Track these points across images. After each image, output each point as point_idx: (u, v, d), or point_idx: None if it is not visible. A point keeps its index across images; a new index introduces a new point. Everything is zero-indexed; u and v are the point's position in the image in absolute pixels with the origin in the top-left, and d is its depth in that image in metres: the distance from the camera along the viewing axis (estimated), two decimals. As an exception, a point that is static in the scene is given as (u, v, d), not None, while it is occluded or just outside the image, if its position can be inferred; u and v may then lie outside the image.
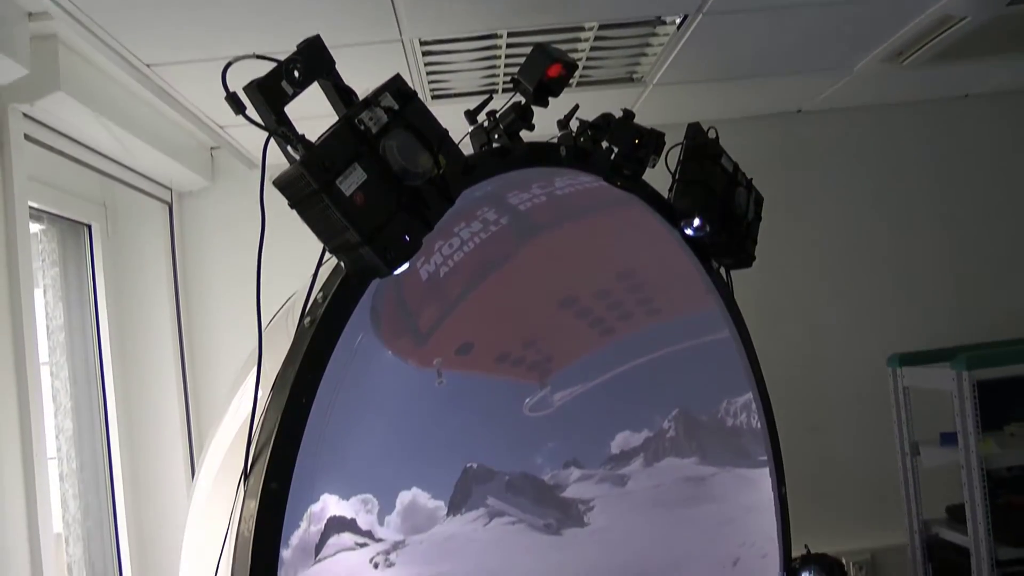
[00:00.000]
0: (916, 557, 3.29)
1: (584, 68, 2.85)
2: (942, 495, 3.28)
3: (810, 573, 2.70)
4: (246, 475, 1.63)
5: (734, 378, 2.66)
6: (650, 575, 2.46)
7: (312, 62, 1.65)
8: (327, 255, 1.70)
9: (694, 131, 2.57)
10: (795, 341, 3.65)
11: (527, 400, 2.21)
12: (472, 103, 2.15)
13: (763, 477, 2.67)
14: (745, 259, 2.69)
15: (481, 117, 2.14)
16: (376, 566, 1.86)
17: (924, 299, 3.71)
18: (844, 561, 2.92)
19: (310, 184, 1.55)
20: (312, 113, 1.68)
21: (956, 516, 3.16)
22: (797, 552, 2.77)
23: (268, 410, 1.67)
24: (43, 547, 2.27)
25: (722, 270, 2.71)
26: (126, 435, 3.09)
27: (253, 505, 1.58)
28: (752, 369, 2.68)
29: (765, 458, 2.68)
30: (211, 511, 1.84)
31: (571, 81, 2.32)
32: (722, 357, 2.65)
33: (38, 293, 2.75)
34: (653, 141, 2.39)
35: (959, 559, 3.06)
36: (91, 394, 3.03)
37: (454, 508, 2.02)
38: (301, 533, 1.68)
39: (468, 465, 2.07)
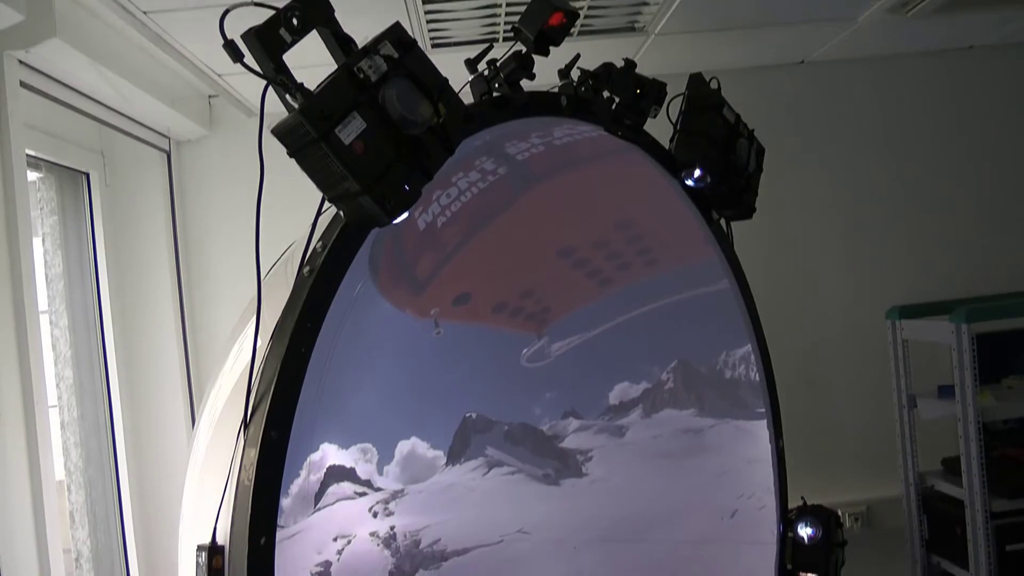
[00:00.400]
0: (911, 509, 3.32)
1: (585, 17, 2.82)
2: (938, 448, 3.31)
3: (806, 524, 2.72)
4: (246, 424, 1.63)
5: (733, 330, 2.66)
6: (649, 525, 2.49)
7: (311, 10, 1.62)
8: (326, 204, 1.69)
9: (696, 81, 2.55)
10: (794, 293, 3.65)
11: (525, 351, 2.22)
12: (472, 52, 2.13)
13: (761, 429, 2.69)
14: (745, 210, 2.68)
15: (481, 66, 2.12)
16: (375, 515, 1.87)
17: (924, 252, 3.70)
18: (840, 513, 2.94)
19: (309, 133, 1.54)
20: (311, 62, 1.67)
21: (952, 468, 3.19)
22: (794, 504, 2.79)
23: (267, 359, 1.67)
24: (45, 494, 2.28)
25: (722, 221, 2.70)
26: (126, 383, 3.10)
27: (253, 454, 1.59)
28: (751, 321, 2.68)
29: (763, 410, 2.69)
30: (211, 459, 1.85)
31: (572, 30, 2.29)
32: (721, 309, 2.65)
33: (36, 242, 2.74)
34: (655, 91, 2.37)
35: (954, 511, 3.09)
36: (91, 343, 3.04)
37: (453, 458, 2.04)
38: (301, 482, 1.70)
39: (467, 415, 2.08)
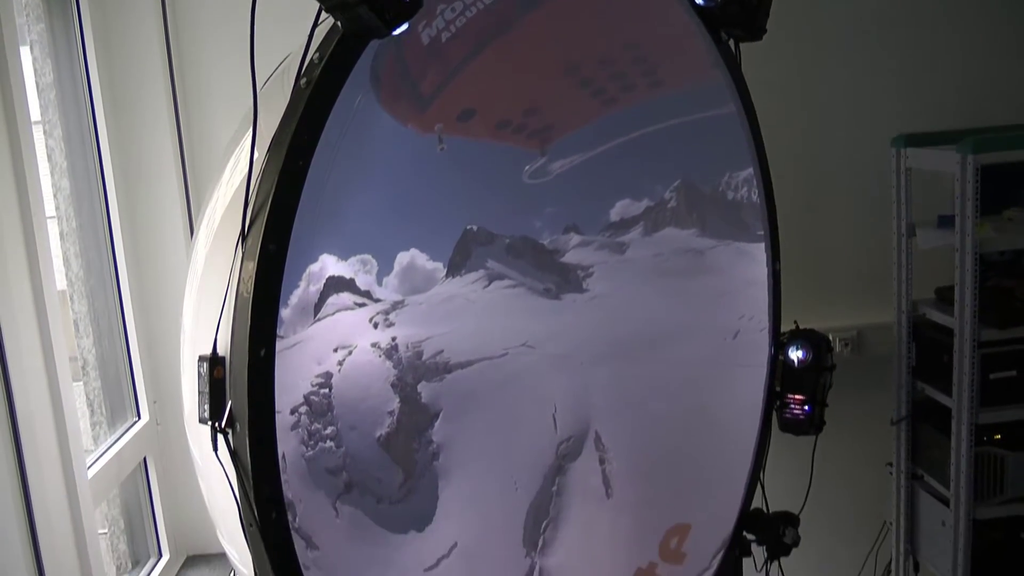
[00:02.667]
0: (902, 335, 3.37)
1: None
2: (932, 278, 3.33)
3: (797, 347, 2.77)
4: (244, 236, 1.63)
5: (737, 152, 2.63)
6: (652, 344, 2.53)
7: None
8: (323, 15, 1.64)
9: None
10: (799, 118, 3.59)
11: (527, 167, 2.20)
12: None
13: (760, 252, 2.69)
14: (756, 31, 2.59)
15: None
16: (376, 326, 1.90)
17: (933, 79, 3.62)
18: (831, 337, 2.99)
19: (304, -65, 1.47)
20: None
21: (944, 297, 3.22)
22: (787, 328, 2.83)
23: (264, 172, 1.65)
24: (48, 304, 2.31)
25: (731, 42, 2.62)
26: (123, 193, 3.08)
27: (252, 266, 1.59)
28: (755, 144, 2.65)
29: (763, 233, 2.69)
30: (210, 271, 1.86)
31: None
32: (726, 131, 2.61)
33: (25, 51, 2.67)
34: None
35: (943, 338, 3.14)
36: (86, 153, 3.00)
37: (453, 270, 2.05)
38: (300, 293, 1.71)
39: (468, 227, 2.08)
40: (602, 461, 2.42)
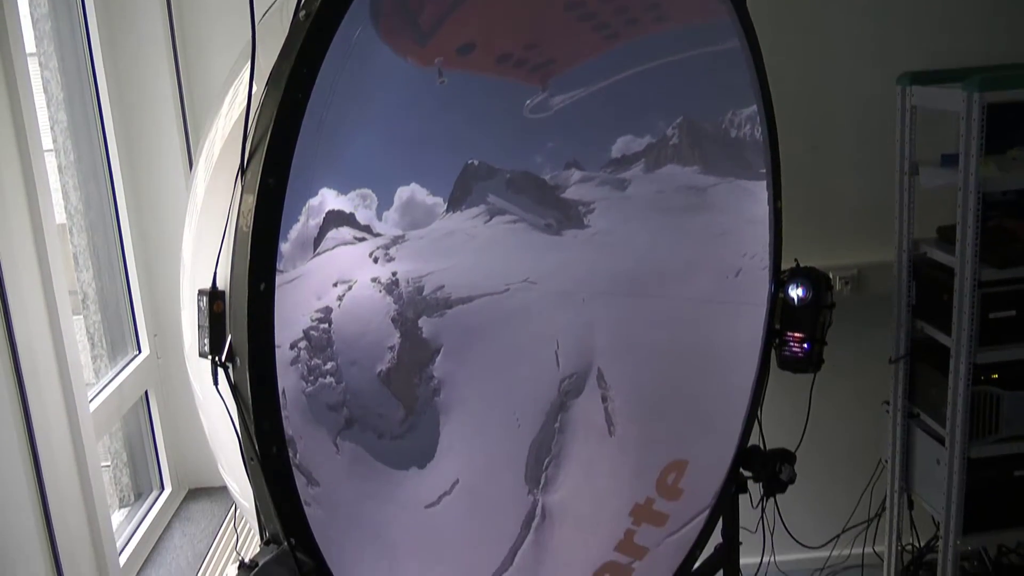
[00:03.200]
0: (902, 274, 3.37)
1: None
2: (934, 217, 3.32)
3: (797, 285, 2.77)
4: (243, 171, 1.62)
5: (741, 89, 2.60)
6: (652, 280, 2.53)
7: None
8: (323, -56, 1.60)
9: None
10: (804, 55, 3.56)
11: (527, 102, 2.18)
12: None
13: (763, 190, 2.68)
14: (762, -36, 2.56)
15: None
16: (376, 260, 1.89)
17: (939, 17, 3.57)
18: (831, 275, 2.99)
19: None
20: None
21: (946, 237, 3.22)
22: (787, 266, 2.83)
23: (263, 106, 1.63)
24: (47, 237, 2.30)
25: (736, -25, 2.58)
26: (121, 126, 3.05)
27: (251, 200, 1.58)
28: (759, 82, 2.62)
29: (765, 171, 2.68)
30: (209, 205, 1.84)
31: None
32: (730, 68, 2.58)
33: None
34: None
35: (943, 278, 3.14)
36: (83, 85, 2.97)
37: (454, 204, 2.03)
38: (300, 227, 1.70)
39: (468, 162, 2.06)
40: (604, 399, 2.43)
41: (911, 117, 3.27)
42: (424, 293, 1.99)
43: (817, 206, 3.64)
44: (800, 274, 2.78)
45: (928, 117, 3.27)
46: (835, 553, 3.91)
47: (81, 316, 3.00)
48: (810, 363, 2.80)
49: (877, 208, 3.54)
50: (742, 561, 3.02)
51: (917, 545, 3.64)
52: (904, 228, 3.35)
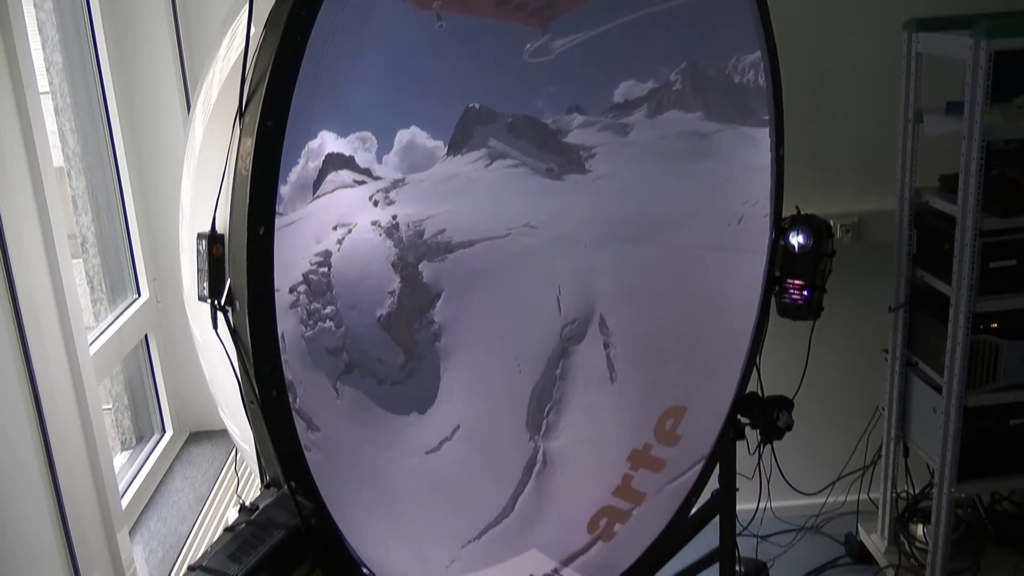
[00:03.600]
0: (903, 222, 3.36)
1: None
2: (937, 166, 3.30)
3: (798, 232, 2.76)
4: (241, 113, 1.60)
5: (745, 35, 2.56)
6: (657, 227, 2.52)
7: None
8: None
9: None
10: (809, 1, 3.51)
11: (528, 45, 2.15)
12: None
13: (766, 136, 2.66)
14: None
15: None
16: (376, 204, 1.88)
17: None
18: (832, 223, 2.98)
19: None
20: None
21: (948, 185, 3.20)
22: (788, 213, 2.82)
23: (261, 49, 1.61)
24: (45, 181, 2.29)
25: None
26: (118, 68, 3.02)
27: (250, 143, 1.57)
28: (763, 27, 2.59)
29: (768, 117, 2.66)
30: (207, 148, 1.83)
31: None
32: (734, 13, 2.55)
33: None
34: None
35: (945, 226, 3.13)
36: (79, 25, 2.93)
37: (454, 148, 2.02)
38: (299, 170, 1.69)
39: (470, 105, 2.05)
40: (606, 345, 2.44)
41: (917, 64, 3.24)
42: (425, 237, 1.98)
43: (820, 154, 3.62)
44: (801, 221, 2.77)
45: (934, 64, 3.23)
46: (831, 500, 3.95)
47: (80, 260, 2.99)
48: (810, 310, 2.80)
49: (879, 156, 3.52)
50: (738, 507, 3.05)
51: (912, 492, 3.68)
52: (907, 176, 3.33)
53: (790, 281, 2.79)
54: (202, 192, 1.76)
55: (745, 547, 3.51)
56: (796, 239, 2.75)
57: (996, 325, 3.12)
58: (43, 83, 2.67)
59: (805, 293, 2.77)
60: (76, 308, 2.38)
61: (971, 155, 2.93)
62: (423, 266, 2.00)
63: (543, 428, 2.32)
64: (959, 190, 3.00)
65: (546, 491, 2.34)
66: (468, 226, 2.08)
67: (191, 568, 1.54)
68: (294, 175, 1.67)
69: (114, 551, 2.40)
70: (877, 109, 3.55)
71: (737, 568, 3.19)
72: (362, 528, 1.74)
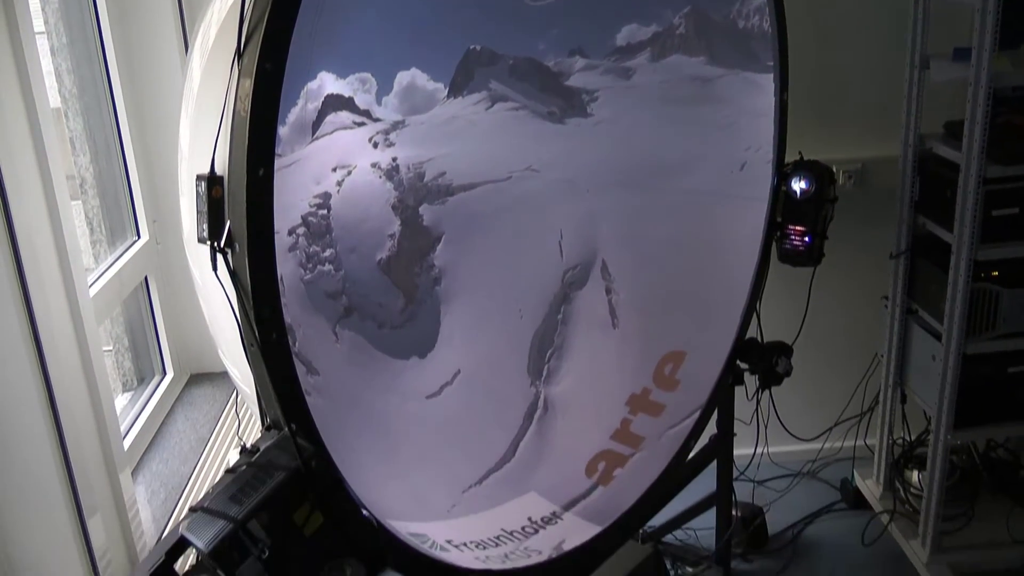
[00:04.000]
0: (907, 169, 3.34)
1: None
2: (942, 114, 3.27)
3: (800, 178, 2.75)
4: (239, 54, 1.59)
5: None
6: (656, 172, 2.50)
7: None
8: None
9: None
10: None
11: (529, -13, 2.12)
12: None
13: (769, 82, 2.63)
14: None
15: None
16: (375, 145, 1.86)
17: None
18: (835, 169, 2.96)
19: None
20: None
21: (953, 132, 3.17)
22: (791, 159, 2.80)
23: (259, -11, 1.59)
24: (42, 120, 2.27)
25: None
26: (114, 5, 2.97)
27: (248, 84, 1.55)
28: (769, -30, 2.56)
29: (772, 63, 2.63)
30: (206, 90, 1.81)
31: None
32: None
33: None
34: None
35: (948, 174, 3.11)
36: (74, -36, 2.89)
37: (455, 90, 2.00)
38: (298, 111, 1.67)
39: (471, 47, 2.02)
40: (608, 291, 2.43)
41: (924, 9, 3.19)
42: (425, 180, 1.97)
43: (824, 100, 3.59)
44: (803, 167, 2.75)
45: (941, 9, 3.19)
46: (827, 445, 3.98)
47: (79, 201, 2.97)
48: (810, 257, 2.80)
49: (885, 101, 3.49)
50: (736, 452, 3.08)
51: (908, 439, 3.70)
52: (911, 122, 3.31)
53: (791, 227, 2.78)
54: (201, 133, 1.75)
55: (742, 492, 3.56)
56: (798, 185, 2.74)
57: (997, 273, 3.12)
58: (39, 23, 2.64)
59: (806, 239, 2.76)
60: (75, 249, 2.37)
61: (977, 102, 2.90)
62: (424, 209, 1.98)
63: (544, 373, 2.32)
64: (964, 137, 2.97)
65: (546, 436, 2.35)
66: (469, 169, 2.06)
67: (193, 509, 1.56)
68: (293, 116, 1.66)
69: (116, 492, 2.42)
70: (883, 55, 3.51)
71: (733, 512, 3.23)
72: (362, 471, 1.76)
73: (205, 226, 1.59)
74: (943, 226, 3.16)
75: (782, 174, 2.75)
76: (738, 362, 2.85)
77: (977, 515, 3.53)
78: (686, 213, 2.59)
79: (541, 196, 2.25)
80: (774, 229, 2.79)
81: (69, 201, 2.39)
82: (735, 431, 3.00)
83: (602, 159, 2.36)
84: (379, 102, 1.83)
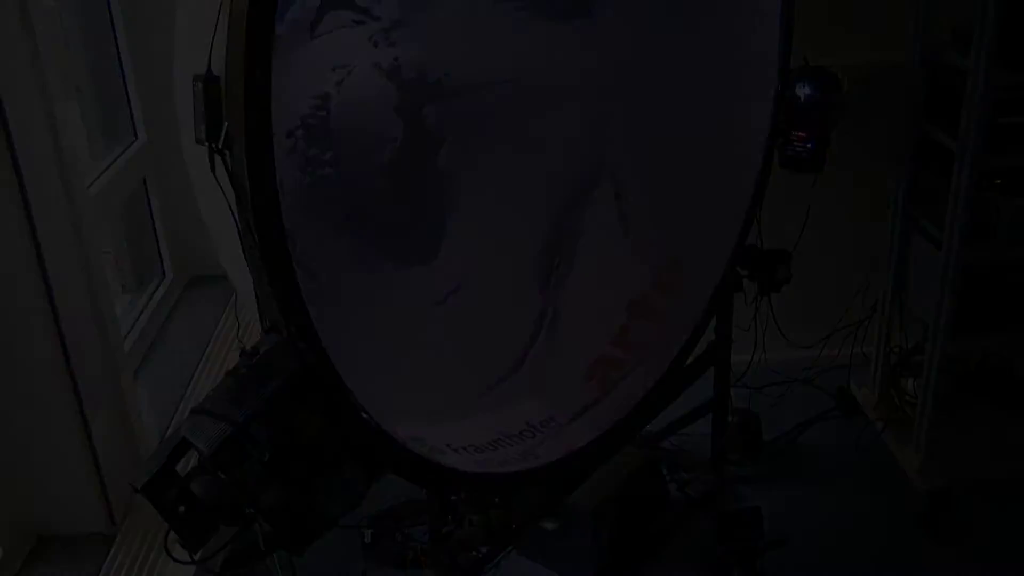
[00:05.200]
0: (914, 75, 3.29)
1: None
2: (950, 19, 3.21)
3: (804, 83, 2.71)
4: (236, -51, 1.54)
5: None
6: (661, 75, 2.45)
7: None
8: None
9: None
10: None
11: None
12: None
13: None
14: None
15: None
16: (376, 44, 1.81)
17: None
18: (840, 75, 2.92)
19: None
20: None
21: (961, 38, 3.11)
22: (796, 64, 2.75)
23: None
24: (34, 18, 2.22)
25: None
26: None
27: (245, -20, 1.51)
28: None
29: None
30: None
31: None
32: None
33: None
34: None
35: (955, 80, 3.06)
36: None
37: (456, -17, 1.93)
38: (296, 9, 1.63)
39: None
40: (617, 196, 2.39)
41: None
42: (428, 80, 1.91)
43: (831, 3, 3.51)
44: (808, 72, 2.71)
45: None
46: (824, 352, 4.00)
47: (75, 102, 2.94)
48: (812, 163, 2.77)
49: (892, 6, 3.42)
50: (733, 358, 3.10)
51: (905, 347, 3.72)
52: (920, 28, 3.25)
53: (794, 133, 2.75)
54: (197, 32, 1.71)
55: (738, 399, 3.59)
56: (802, 90, 2.70)
57: (1000, 182, 3.10)
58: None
59: (808, 145, 2.74)
60: (73, 149, 2.35)
61: (987, 5, 2.84)
62: (427, 110, 1.93)
63: (551, 282, 2.30)
64: (973, 43, 2.92)
65: (549, 343, 2.35)
66: (473, 70, 2.00)
67: (194, 411, 1.57)
68: (291, 14, 1.61)
69: (118, 393, 2.44)
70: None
71: (729, 418, 3.26)
72: (363, 375, 1.76)
73: (202, 127, 1.57)
74: (948, 133, 3.13)
75: (786, 79, 2.70)
76: (737, 268, 2.85)
77: (971, 424, 3.58)
78: (689, 116, 2.55)
79: (547, 99, 2.19)
80: (777, 134, 2.76)
81: (65, 100, 2.36)
82: (733, 337, 3.01)
83: (608, 59, 2.30)
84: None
